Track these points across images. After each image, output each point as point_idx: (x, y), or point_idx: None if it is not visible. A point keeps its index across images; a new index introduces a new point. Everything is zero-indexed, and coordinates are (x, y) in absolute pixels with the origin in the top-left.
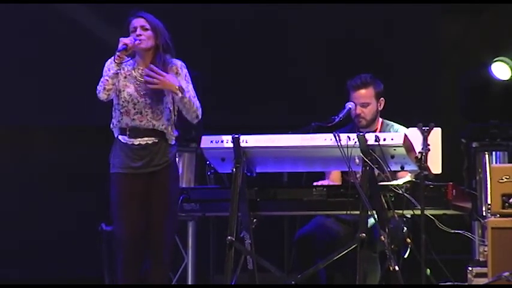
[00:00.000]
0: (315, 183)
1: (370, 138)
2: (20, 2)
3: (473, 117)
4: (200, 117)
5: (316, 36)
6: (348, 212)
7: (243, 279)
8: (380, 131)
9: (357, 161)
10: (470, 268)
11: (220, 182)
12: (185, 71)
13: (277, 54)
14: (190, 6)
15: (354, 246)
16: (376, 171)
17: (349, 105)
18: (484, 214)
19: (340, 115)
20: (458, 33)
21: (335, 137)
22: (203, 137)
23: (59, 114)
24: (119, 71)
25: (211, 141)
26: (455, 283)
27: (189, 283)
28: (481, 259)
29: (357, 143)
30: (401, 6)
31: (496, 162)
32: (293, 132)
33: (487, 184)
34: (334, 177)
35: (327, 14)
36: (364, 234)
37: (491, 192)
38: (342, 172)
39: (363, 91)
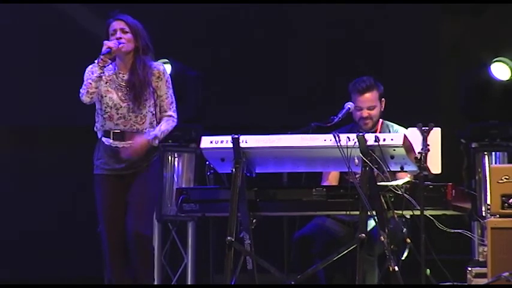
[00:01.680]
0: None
1: (370, 138)
2: (20, 2)
3: (472, 118)
4: (176, 123)
5: (316, 36)
6: (348, 213)
7: (242, 280)
8: (380, 132)
9: (357, 161)
10: (469, 268)
11: (220, 183)
12: (167, 76)
13: (278, 54)
14: (192, 6)
15: (353, 246)
16: (376, 172)
17: (348, 105)
18: (483, 214)
19: (340, 115)
20: (458, 33)
21: (335, 137)
22: (203, 137)
23: (60, 114)
24: (102, 74)
25: (211, 142)
26: (455, 283)
27: (189, 283)
28: (480, 259)
29: (357, 143)
30: (401, 6)
31: (495, 163)
32: (292, 133)
33: (486, 184)
34: (332, 178)
35: (327, 14)
36: (364, 235)
37: (490, 193)
38: (341, 172)
39: (368, 95)
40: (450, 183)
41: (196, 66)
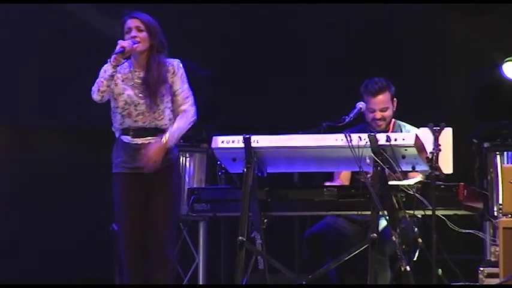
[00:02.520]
0: (326, 184)
1: (381, 138)
2: (22, 2)
3: (484, 118)
4: (195, 118)
5: (328, 36)
6: (359, 213)
7: (253, 280)
8: (392, 132)
9: (368, 161)
10: (481, 268)
11: (231, 182)
12: (181, 71)
13: (290, 53)
14: (203, 5)
15: (365, 246)
16: (387, 172)
17: (360, 104)
18: (495, 214)
19: (351, 115)
20: (468, 33)
21: (346, 137)
22: (214, 137)
23: (65, 114)
24: (114, 74)
25: (222, 142)
26: (467, 283)
27: (200, 283)
28: (492, 259)
29: (368, 143)
30: (411, 6)
31: (507, 163)
32: (304, 132)
33: (498, 184)
34: (344, 177)
35: (336, 15)
36: (375, 235)
37: (502, 193)
38: (353, 172)
39: (381, 97)
40: (462, 183)
41: (207, 65)
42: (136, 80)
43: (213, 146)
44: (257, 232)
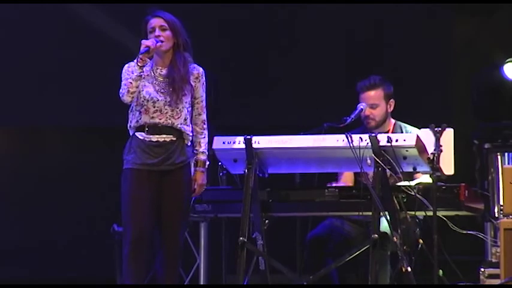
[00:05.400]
0: (328, 185)
1: (383, 139)
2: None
3: (485, 118)
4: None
5: (330, 36)
6: (360, 213)
7: (255, 280)
8: (392, 132)
9: (369, 162)
10: (482, 269)
11: (233, 183)
12: (204, 79)
13: (291, 54)
14: (204, 6)
15: (366, 247)
16: (389, 173)
17: (361, 106)
18: (496, 215)
19: (352, 116)
20: (470, 33)
21: (347, 138)
22: (215, 138)
23: (71, 115)
24: (142, 74)
25: (224, 142)
26: (468, 284)
27: (201, 283)
28: (493, 260)
29: (369, 144)
30: (414, 7)
31: (508, 163)
32: (305, 133)
33: (499, 185)
34: (347, 178)
35: (338, 15)
36: (376, 235)
37: (503, 193)
38: (355, 173)
39: (371, 92)
40: (463, 184)
41: (209, 66)
42: (157, 77)
43: (214, 146)
44: (258, 233)
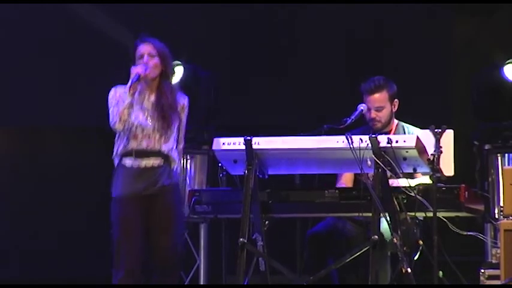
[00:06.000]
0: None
1: (383, 140)
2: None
3: (485, 119)
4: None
5: (330, 36)
6: (360, 214)
7: (255, 281)
8: (394, 133)
9: (369, 163)
10: (482, 270)
11: (233, 184)
12: (188, 109)
13: (291, 55)
14: (204, 6)
15: (366, 248)
16: (389, 174)
17: (361, 106)
18: (496, 216)
19: (353, 117)
20: (470, 33)
21: (347, 139)
22: (215, 139)
23: (71, 115)
24: (133, 101)
25: (224, 143)
26: (468, 285)
27: (201, 284)
28: (493, 261)
29: (369, 145)
30: (414, 7)
31: (508, 164)
32: (305, 134)
33: (499, 186)
34: (347, 179)
35: (339, 16)
36: (376, 236)
37: (503, 195)
38: (356, 174)
39: (377, 95)
40: (463, 185)
41: (209, 66)
42: (145, 103)
43: (214, 147)
44: (258, 234)
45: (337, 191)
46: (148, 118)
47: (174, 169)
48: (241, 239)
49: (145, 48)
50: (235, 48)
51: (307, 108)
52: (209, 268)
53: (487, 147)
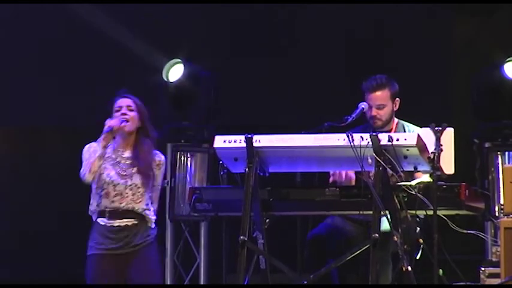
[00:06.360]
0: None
1: (383, 138)
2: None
3: (486, 118)
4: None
5: (330, 36)
6: (361, 213)
7: (255, 279)
8: (395, 132)
9: (370, 161)
10: (483, 268)
11: (233, 182)
12: (164, 168)
13: (291, 54)
14: (205, 6)
15: (366, 246)
16: (390, 172)
17: (362, 105)
18: (496, 214)
19: (353, 115)
20: (470, 33)
21: (348, 137)
22: (216, 137)
23: (71, 115)
24: (104, 153)
25: (224, 141)
26: (468, 283)
27: (201, 283)
28: (493, 259)
29: (370, 143)
30: (414, 6)
31: (508, 163)
32: (306, 132)
33: (499, 184)
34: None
35: (339, 16)
36: (377, 235)
37: (503, 193)
38: (356, 172)
39: (378, 93)
40: (463, 183)
41: (209, 66)
42: (119, 160)
43: (214, 145)
44: (259, 232)
45: (337, 189)
46: (121, 175)
47: (152, 226)
48: (241, 237)
49: (124, 102)
50: (235, 48)
51: (307, 108)
52: (209, 266)
53: (487, 145)
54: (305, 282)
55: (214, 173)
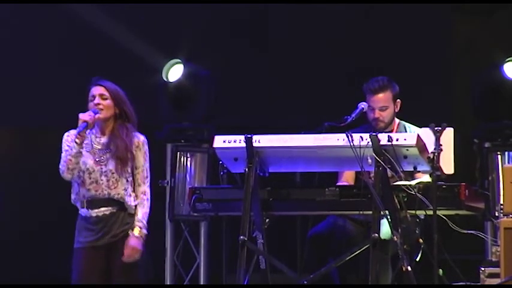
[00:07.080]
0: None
1: (383, 138)
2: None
3: (485, 118)
4: (149, 202)
5: (330, 36)
6: (361, 213)
7: (255, 279)
8: (396, 132)
9: (370, 161)
10: (482, 268)
11: (233, 182)
12: (146, 148)
13: (291, 54)
14: (205, 6)
15: (366, 246)
16: (390, 172)
17: (362, 105)
18: (496, 214)
19: (353, 115)
20: (470, 33)
21: (348, 137)
22: (216, 137)
23: (70, 115)
24: (81, 150)
25: (224, 141)
26: (468, 283)
27: (201, 283)
28: (493, 259)
29: (370, 143)
30: (414, 6)
31: (508, 163)
32: (306, 132)
33: (499, 184)
34: (348, 177)
35: (338, 15)
36: (377, 235)
37: (503, 193)
38: (356, 172)
39: (381, 95)
40: (463, 183)
41: (209, 66)
42: (95, 146)
43: (214, 145)
44: (259, 232)
45: (337, 189)
46: (97, 161)
47: (132, 213)
48: (241, 237)
49: (97, 90)
50: (235, 48)
51: (308, 108)
52: (209, 266)
53: (487, 145)
54: (305, 282)
55: (214, 173)
